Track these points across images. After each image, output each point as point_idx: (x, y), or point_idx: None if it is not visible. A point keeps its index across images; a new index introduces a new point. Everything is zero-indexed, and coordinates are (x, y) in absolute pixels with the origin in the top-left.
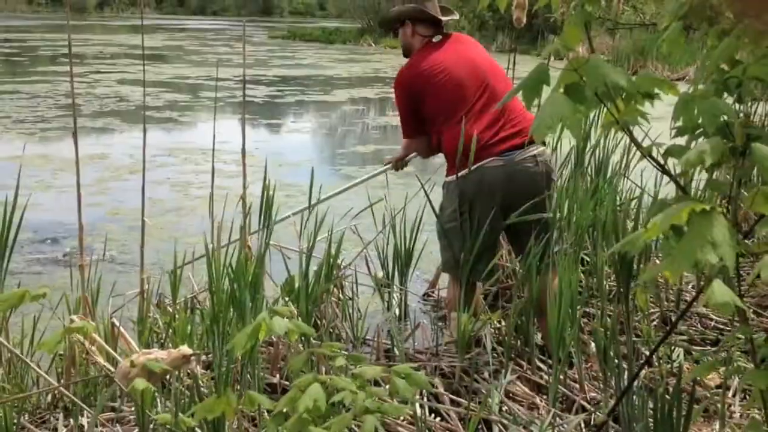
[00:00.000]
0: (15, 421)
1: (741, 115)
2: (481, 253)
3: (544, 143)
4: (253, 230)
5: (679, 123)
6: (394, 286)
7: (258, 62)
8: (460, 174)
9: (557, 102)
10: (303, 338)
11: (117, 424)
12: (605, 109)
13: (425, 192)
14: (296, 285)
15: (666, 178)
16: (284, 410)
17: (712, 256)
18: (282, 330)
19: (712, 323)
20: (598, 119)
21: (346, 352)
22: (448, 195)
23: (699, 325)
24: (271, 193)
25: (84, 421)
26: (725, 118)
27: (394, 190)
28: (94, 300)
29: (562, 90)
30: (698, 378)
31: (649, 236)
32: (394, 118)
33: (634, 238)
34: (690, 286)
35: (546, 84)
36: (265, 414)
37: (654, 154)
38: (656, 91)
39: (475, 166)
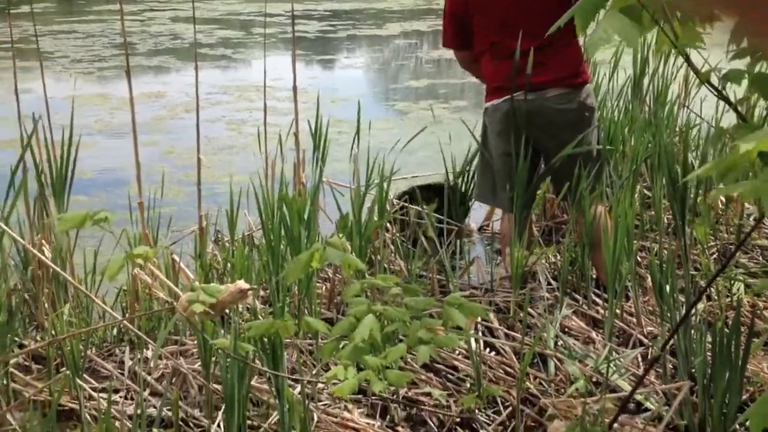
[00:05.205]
0: (83, 354)
1: None
2: (503, 184)
3: (581, 83)
4: (306, 166)
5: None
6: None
7: None
8: (490, 103)
9: (613, 18)
10: (357, 274)
11: (180, 357)
12: (660, 34)
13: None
14: (350, 221)
15: (727, 107)
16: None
17: None
18: (336, 258)
19: None
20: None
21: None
22: (483, 122)
23: (760, 258)
24: (323, 129)
25: (148, 353)
26: None
27: (449, 125)
28: (154, 237)
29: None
30: (758, 311)
31: (740, 160)
32: (447, 52)
33: (719, 163)
34: (751, 219)
35: (603, 7)
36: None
37: (713, 80)
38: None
39: (504, 98)
